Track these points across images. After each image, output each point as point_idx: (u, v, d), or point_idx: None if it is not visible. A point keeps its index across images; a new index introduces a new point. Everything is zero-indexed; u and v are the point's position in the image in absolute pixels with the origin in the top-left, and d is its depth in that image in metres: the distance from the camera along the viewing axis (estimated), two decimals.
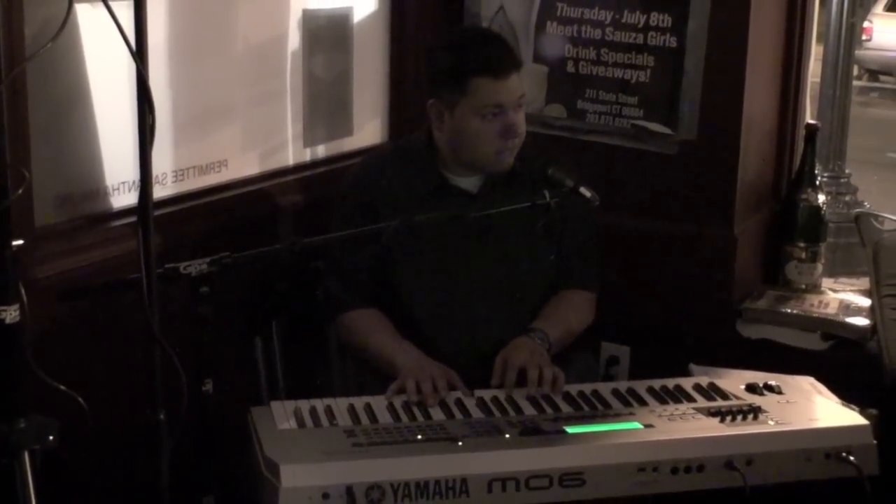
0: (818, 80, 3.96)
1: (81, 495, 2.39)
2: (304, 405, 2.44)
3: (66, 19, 1.96)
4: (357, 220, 2.75)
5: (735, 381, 2.65)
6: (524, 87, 2.80)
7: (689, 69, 3.24)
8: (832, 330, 3.22)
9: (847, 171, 3.98)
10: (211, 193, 2.91)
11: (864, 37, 14.14)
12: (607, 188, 2.78)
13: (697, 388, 2.62)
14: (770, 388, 2.61)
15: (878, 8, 15.49)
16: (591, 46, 3.36)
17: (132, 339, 2.24)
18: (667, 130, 3.30)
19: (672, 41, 3.26)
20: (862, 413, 2.51)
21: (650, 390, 2.60)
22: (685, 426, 2.40)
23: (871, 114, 12.91)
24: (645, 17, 3.28)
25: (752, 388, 2.61)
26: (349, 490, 2.12)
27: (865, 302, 3.33)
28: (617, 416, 2.45)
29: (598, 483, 2.26)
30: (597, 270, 2.97)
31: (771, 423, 2.43)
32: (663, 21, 3.26)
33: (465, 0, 3.51)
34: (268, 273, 2.82)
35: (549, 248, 2.89)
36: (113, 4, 1.99)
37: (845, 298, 3.40)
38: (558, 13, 3.39)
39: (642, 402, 2.54)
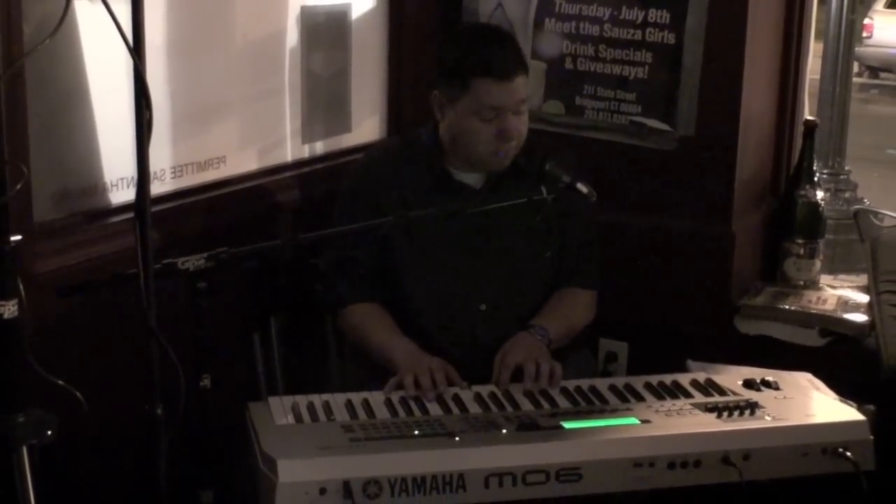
0: (818, 76, 3.96)
1: (79, 490, 2.40)
2: (301, 401, 2.45)
3: (65, 15, 1.96)
4: (360, 211, 2.76)
5: (732, 377, 2.66)
6: (528, 91, 2.78)
7: (688, 65, 3.25)
8: (830, 326, 3.22)
9: (847, 167, 3.99)
10: (209, 190, 2.91)
11: (864, 34, 14.15)
12: (605, 185, 2.79)
13: (694, 383, 2.63)
14: (767, 384, 2.61)
15: (879, 5, 15.51)
16: (590, 43, 3.36)
17: (131, 335, 2.25)
18: (665, 127, 3.30)
19: (670, 37, 3.26)
20: (859, 409, 2.51)
21: (647, 386, 2.61)
22: (682, 422, 2.40)
23: (871, 111, 12.92)
24: (643, 13, 3.28)
25: (749, 384, 2.61)
26: (346, 485, 2.13)
27: (863, 298, 3.33)
28: (614, 412, 2.45)
29: (595, 478, 2.26)
30: (598, 268, 2.97)
31: (768, 418, 2.43)
32: (661, 17, 3.26)
33: None
34: (266, 269, 2.83)
35: (549, 244, 2.89)
36: (111, 1, 1.99)
37: (843, 295, 3.40)
38: (556, 10, 3.39)
39: (639, 398, 2.54)
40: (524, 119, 2.76)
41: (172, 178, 2.81)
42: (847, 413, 2.49)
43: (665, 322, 3.29)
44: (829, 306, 3.30)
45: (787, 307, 3.29)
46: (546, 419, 2.40)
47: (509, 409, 2.48)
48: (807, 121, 3.50)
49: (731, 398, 2.54)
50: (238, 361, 2.76)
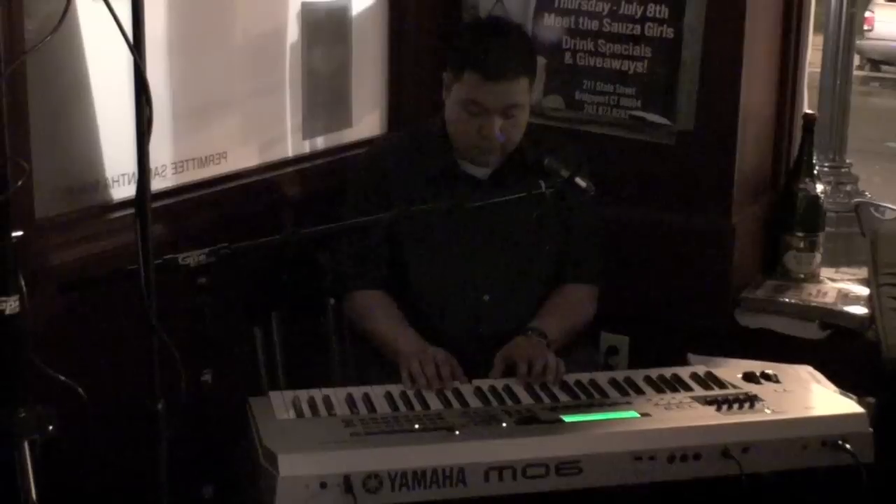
0: (819, 70, 3.95)
1: (81, 485, 2.41)
2: (302, 395, 2.46)
3: (66, 13, 1.96)
4: (370, 200, 2.80)
5: (732, 371, 2.66)
6: (527, 97, 2.77)
7: (687, 59, 3.25)
8: (830, 319, 3.22)
9: (848, 160, 3.98)
10: (210, 185, 2.92)
11: (865, 27, 14.12)
12: (605, 179, 2.79)
13: (694, 377, 2.63)
14: (767, 377, 2.62)
15: None
16: (589, 37, 3.36)
17: (132, 330, 2.25)
18: (664, 121, 3.30)
19: (669, 32, 3.26)
20: (860, 402, 2.51)
21: (647, 379, 2.62)
22: (682, 415, 2.41)
23: (872, 104, 12.90)
24: (642, 7, 3.28)
25: (749, 377, 2.62)
26: (347, 479, 2.13)
27: (864, 291, 3.33)
28: (614, 405, 2.46)
29: (595, 472, 2.27)
30: (600, 264, 2.98)
31: (767, 411, 2.44)
32: (660, 12, 3.26)
33: None
34: (267, 264, 2.84)
35: (550, 237, 2.90)
36: None
37: (843, 288, 3.40)
38: (556, 4, 3.40)
39: (639, 391, 2.55)
40: (515, 123, 2.75)
41: (174, 173, 2.82)
42: (847, 406, 2.49)
43: (665, 315, 3.30)
44: (830, 299, 3.30)
45: (787, 300, 3.29)
46: (546, 413, 2.40)
47: (509, 402, 2.49)
48: (806, 114, 3.50)
49: (730, 391, 2.54)
50: (239, 356, 2.77)
